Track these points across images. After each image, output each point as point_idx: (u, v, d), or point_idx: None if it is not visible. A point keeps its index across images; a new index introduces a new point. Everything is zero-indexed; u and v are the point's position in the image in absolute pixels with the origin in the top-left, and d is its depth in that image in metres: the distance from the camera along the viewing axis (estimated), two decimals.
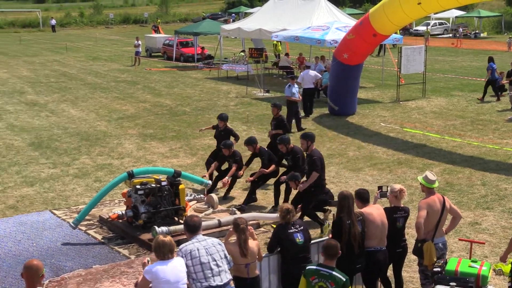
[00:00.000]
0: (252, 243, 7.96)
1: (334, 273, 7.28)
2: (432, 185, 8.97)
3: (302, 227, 8.40)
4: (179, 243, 7.99)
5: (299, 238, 8.25)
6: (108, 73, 38.90)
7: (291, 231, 8.26)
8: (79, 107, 27.04)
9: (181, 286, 7.10)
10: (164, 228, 11.61)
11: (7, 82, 35.14)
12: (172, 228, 11.77)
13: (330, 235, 8.43)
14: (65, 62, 45.74)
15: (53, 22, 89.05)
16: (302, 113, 23.13)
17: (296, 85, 22.18)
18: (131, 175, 12.45)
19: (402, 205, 9.21)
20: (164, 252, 7.12)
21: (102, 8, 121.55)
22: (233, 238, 8.37)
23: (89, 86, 33.46)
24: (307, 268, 7.52)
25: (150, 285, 7.20)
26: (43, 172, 17.29)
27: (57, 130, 22.46)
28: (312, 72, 25.11)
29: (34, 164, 18.04)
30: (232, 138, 15.65)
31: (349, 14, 41.63)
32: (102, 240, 12.36)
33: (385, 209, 9.09)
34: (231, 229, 8.36)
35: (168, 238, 7.32)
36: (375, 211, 8.82)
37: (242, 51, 43.10)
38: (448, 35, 67.10)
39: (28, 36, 77.29)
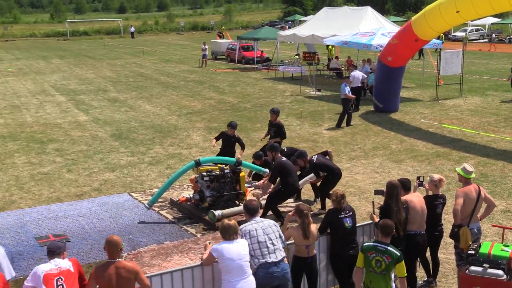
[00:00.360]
0: (312, 227, 7.96)
1: (389, 248, 7.31)
2: (469, 176, 8.82)
3: (351, 213, 8.34)
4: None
5: (348, 222, 8.20)
6: (178, 74, 39.29)
7: (342, 216, 8.21)
8: (154, 103, 27.40)
9: (243, 263, 7.18)
10: (219, 212, 11.72)
11: (93, 82, 35.87)
12: (226, 211, 11.92)
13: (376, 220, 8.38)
14: (142, 64, 46.39)
15: (132, 29, 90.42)
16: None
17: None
18: (198, 163, 12.57)
19: (440, 193, 9.09)
20: (229, 233, 7.28)
21: (174, 17, 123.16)
22: (291, 223, 8.40)
23: (162, 85, 33.87)
24: (364, 244, 7.52)
25: (216, 261, 7.32)
26: (123, 159, 17.59)
27: (134, 123, 22.82)
28: (359, 73, 24.95)
29: (115, 153, 18.37)
30: (238, 151, 14.71)
31: (393, 22, 41.09)
32: (173, 220, 12.51)
33: (426, 197, 9.03)
34: (289, 214, 8.36)
35: (233, 221, 7.45)
36: (416, 198, 8.76)
37: (296, 55, 42.94)
38: (484, 40, 65.56)
39: (111, 41, 78.71)
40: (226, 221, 7.43)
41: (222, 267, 7.21)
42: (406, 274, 7.42)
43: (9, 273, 7.20)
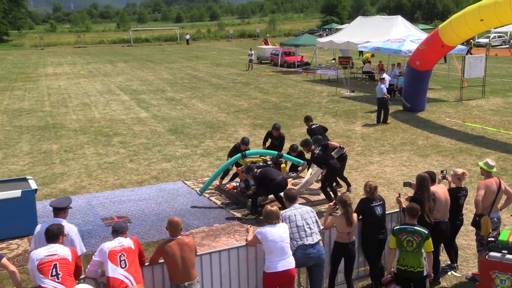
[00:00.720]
0: (354, 215, 7.90)
1: (418, 228, 7.38)
2: (491, 170, 8.68)
3: (381, 202, 8.26)
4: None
5: (378, 210, 8.14)
6: (227, 76, 39.43)
7: (373, 204, 8.14)
8: (205, 102, 27.57)
9: (284, 244, 7.20)
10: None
11: (152, 83, 36.28)
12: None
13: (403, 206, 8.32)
14: (195, 68, 46.70)
15: (187, 36, 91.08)
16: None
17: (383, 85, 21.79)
18: (244, 156, 12.60)
19: (463, 186, 8.94)
20: (272, 218, 7.33)
21: (224, 25, 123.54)
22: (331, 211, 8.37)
23: (213, 86, 34.03)
24: (395, 228, 7.51)
25: (259, 242, 7.37)
26: (178, 151, 17.76)
27: (188, 120, 23.00)
28: (387, 76, 24.79)
29: (171, 145, 18.56)
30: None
31: (422, 29, 40.31)
32: (221, 205, 12.58)
33: (450, 189, 8.90)
34: (330, 204, 8.30)
35: (275, 207, 7.48)
36: (440, 189, 8.66)
37: (333, 59, 42.66)
38: (506, 46, 63.85)
39: (169, 47, 79.44)
40: (269, 207, 7.45)
41: (265, 248, 7.23)
42: (433, 249, 7.55)
43: (80, 249, 7.36)
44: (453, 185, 9.02)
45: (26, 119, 23.85)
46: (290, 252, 7.29)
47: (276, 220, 7.33)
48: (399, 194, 9.11)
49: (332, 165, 11.96)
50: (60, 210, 7.42)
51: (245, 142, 13.33)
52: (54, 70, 47.75)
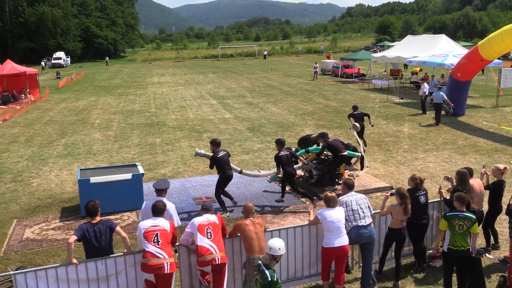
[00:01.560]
0: (409, 206, 7.64)
1: (467, 214, 7.13)
2: None
3: (424, 192, 7.98)
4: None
5: (422, 199, 7.89)
6: (296, 85, 39.27)
7: (418, 194, 7.88)
8: (278, 106, 27.58)
9: (340, 225, 7.12)
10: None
11: (235, 90, 36.69)
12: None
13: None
14: (270, 78, 46.83)
15: (265, 52, 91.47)
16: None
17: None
18: (307, 151, 12.50)
19: (503, 179, 8.60)
20: (332, 202, 7.25)
21: (294, 43, 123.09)
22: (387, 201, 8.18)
23: (284, 93, 33.99)
24: (447, 214, 7.23)
25: (320, 222, 7.30)
26: (254, 146, 17.86)
27: (263, 120, 23.09)
28: (426, 86, 24.20)
29: (249, 141, 18.70)
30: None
31: (463, 46, 38.58)
32: (289, 191, 12.53)
33: (495, 183, 8.57)
34: (386, 194, 8.08)
35: (334, 194, 7.39)
36: (476, 183, 8.33)
37: (384, 71, 41.68)
38: None
39: (249, 61, 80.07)
40: (329, 193, 7.37)
41: (324, 227, 7.16)
42: (478, 231, 7.36)
43: (177, 222, 7.60)
44: (493, 179, 8.65)
45: (136, 118, 24.73)
46: (345, 232, 7.18)
47: (335, 204, 7.25)
48: (440, 186, 8.78)
49: (288, 172, 11.12)
50: (161, 191, 7.72)
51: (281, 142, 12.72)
52: (159, 79, 49.25)
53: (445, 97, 21.03)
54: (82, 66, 76.88)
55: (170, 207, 7.61)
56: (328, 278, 7.33)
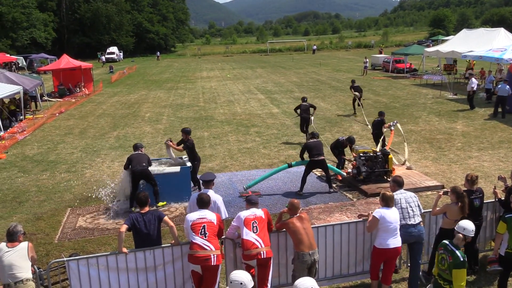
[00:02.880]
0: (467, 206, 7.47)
1: None
2: None
3: (481, 195, 7.70)
4: None
5: (476, 202, 7.63)
6: (345, 80, 38.71)
7: (473, 197, 7.62)
8: (326, 101, 27.31)
9: (396, 225, 6.94)
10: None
11: (283, 85, 36.60)
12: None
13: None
14: (319, 73, 46.42)
15: (315, 47, 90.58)
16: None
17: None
18: (290, 166, 12.31)
19: None
20: (391, 201, 7.03)
21: (344, 38, 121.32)
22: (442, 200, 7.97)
23: (333, 88, 33.62)
24: (507, 216, 6.97)
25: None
26: (302, 141, 17.62)
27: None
28: (475, 81, 23.81)
29: (296, 136, 18.58)
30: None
31: None
32: (336, 187, 12.43)
33: None
34: (440, 194, 7.86)
35: (392, 193, 7.17)
36: None
37: (437, 66, 40.43)
38: None
39: (297, 56, 79.65)
40: (388, 192, 7.13)
41: (381, 228, 6.93)
42: None
43: (224, 214, 7.70)
44: None
45: (185, 112, 25.16)
46: (399, 232, 7.00)
47: (392, 204, 7.05)
48: (495, 186, 8.43)
49: (315, 160, 11.87)
50: (208, 183, 7.84)
51: (350, 139, 13.32)
52: (208, 74, 49.85)
53: (510, 90, 20.59)
54: (134, 60, 78.94)
55: (218, 199, 7.72)
56: (377, 277, 7.20)
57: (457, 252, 5.80)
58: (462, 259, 5.74)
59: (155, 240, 6.91)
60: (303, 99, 17.68)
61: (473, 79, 23.69)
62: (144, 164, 10.87)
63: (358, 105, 22.54)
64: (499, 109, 21.12)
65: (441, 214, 7.56)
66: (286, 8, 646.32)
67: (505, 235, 6.89)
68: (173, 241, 6.94)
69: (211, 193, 7.66)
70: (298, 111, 17.36)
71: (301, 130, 17.76)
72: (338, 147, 13.54)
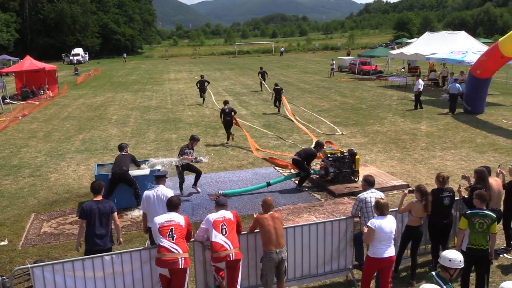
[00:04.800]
0: (430, 204, 7.62)
1: (488, 212, 7.03)
2: None
3: (451, 194, 7.84)
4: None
5: (446, 201, 7.75)
6: (312, 82, 39.12)
7: (442, 195, 7.76)
8: (294, 103, 27.43)
9: (392, 235, 6.80)
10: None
11: (251, 87, 36.63)
12: None
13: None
14: (287, 74, 46.70)
15: (282, 49, 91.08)
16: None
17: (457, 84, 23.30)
18: (269, 184, 12.17)
19: None
20: (386, 209, 6.85)
21: (311, 40, 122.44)
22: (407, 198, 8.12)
23: (301, 90, 33.88)
24: (467, 212, 7.10)
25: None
26: (270, 143, 17.83)
27: (279, 117, 23.04)
28: (421, 82, 24.62)
29: (265, 138, 18.67)
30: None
31: (483, 42, 38.07)
32: (304, 188, 12.53)
33: (510, 182, 8.44)
34: (405, 192, 8.01)
35: (386, 200, 6.99)
36: (494, 182, 8.22)
37: (402, 68, 41.28)
38: None
39: (265, 58, 79.84)
40: (381, 200, 6.91)
41: (376, 238, 6.71)
42: (497, 231, 7.20)
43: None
44: (509, 178, 8.53)
45: (153, 114, 24.90)
46: (393, 241, 6.86)
47: (386, 212, 6.82)
48: (459, 185, 8.66)
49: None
50: (160, 178, 8.13)
51: (320, 144, 12.66)
52: (175, 76, 49.47)
53: (461, 89, 21.52)
54: (100, 62, 77.60)
55: (169, 193, 7.88)
56: None
57: (444, 287, 5.30)
58: None
59: (106, 229, 7.24)
60: (225, 103, 18.09)
61: (420, 80, 24.40)
62: (124, 167, 10.81)
63: (262, 87, 31.47)
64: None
65: (407, 212, 7.72)
66: (253, 10, 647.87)
67: (466, 231, 7.09)
68: (121, 240, 7.59)
69: (162, 188, 7.93)
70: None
71: (226, 132, 17.97)
72: (310, 159, 12.44)
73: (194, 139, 12.21)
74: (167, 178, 8.43)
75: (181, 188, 12.10)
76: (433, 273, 5.52)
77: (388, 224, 6.76)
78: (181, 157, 11.74)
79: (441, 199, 7.75)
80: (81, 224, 7.24)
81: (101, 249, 7.11)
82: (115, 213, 7.35)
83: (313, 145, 13.08)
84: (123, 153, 11.21)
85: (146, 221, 7.95)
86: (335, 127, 18.43)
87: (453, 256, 5.58)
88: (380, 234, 6.70)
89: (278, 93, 23.91)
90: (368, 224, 6.80)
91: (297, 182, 12.66)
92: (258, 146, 16.79)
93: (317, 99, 28.73)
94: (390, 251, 6.79)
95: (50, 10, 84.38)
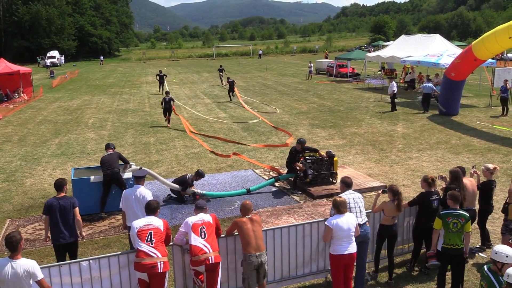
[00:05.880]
0: (403, 203, 7.75)
1: (461, 211, 7.13)
2: None
3: (439, 197, 7.93)
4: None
5: (435, 204, 7.84)
6: (291, 84, 39.30)
7: (432, 198, 7.86)
8: (273, 106, 27.54)
9: (351, 233, 6.87)
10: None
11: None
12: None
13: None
14: (265, 77, 46.82)
15: (260, 52, 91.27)
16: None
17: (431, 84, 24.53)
18: (248, 191, 12.10)
19: (493, 178, 8.61)
20: (344, 207, 6.96)
21: (289, 43, 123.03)
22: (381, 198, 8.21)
23: (279, 92, 34.00)
24: (442, 212, 7.19)
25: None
26: (250, 145, 17.84)
27: (258, 119, 23.07)
28: (394, 84, 25.04)
29: (244, 140, 18.67)
30: None
31: (457, 45, 38.74)
32: (283, 190, 12.56)
33: (484, 183, 8.62)
34: (379, 192, 8.11)
35: (344, 198, 7.11)
36: (469, 182, 8.38)
37: (379, 71, 41.77)
38: None
39: (243, 61, 79.97)
40: (338, 198, 7.04)
41: (334, 236, 6.83)
42: (471, 230, 7.30)
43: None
44: (483, 178, 8.70)
45: (131, 117, 24.66)
46: (354, 238, 6.95)
47: (344, 210, 6.95)
48: (436, 186, 8.78)
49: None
50: (139, 179, 8.17)
51: (301, 142, 12.48)
52: (153, 78, 49.06)
53: (434, 88, 22.27)
54: (76, 65, 76.54)
55: (147, 193, 7.93)
56: None
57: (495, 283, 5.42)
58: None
59: (70, 225, 7.51)
60: (166, 93, 22.52)
61: (394, 83, 24.87)
62: (115, 167, 10.74)
63: (222, 82, 35.51)
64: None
65: (380, 211, 7.83)
66: (231, 12, 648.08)
67: (441, 231, 7.20)
68: (83, 235, 7.89)
69: (141, 189, 7.96)
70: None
71: (164, 115, 22.07)
72: (293, 158, 12.50)
73: (199, 175, 11.78)
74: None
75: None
76: (485, 266, 5.70)
77: (346, 222, 6.85)
78: (183, 191, 11.64)
79: (431, 202, 7.84)
80: (45, 220, 7.62)
81: (65, 242, 7.56)
82: (76, 209, 7.58)
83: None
84: (109, 152, 11.09)
85: (125, 219, 8.08)
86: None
87: (500, 250, 5.60)
88: (338, 232, 6.80)
89: (231, 85, 30.09)
90: (326, 222, 6.97)
91: (277, 185, 12.71)
92: (192, 128, 19.63)
93: (295, 102, 28.87)
94: (351, 249, 6.87)
95: (25, 12, 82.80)
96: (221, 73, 40.48)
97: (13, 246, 5.68)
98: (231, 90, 30.24)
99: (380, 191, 8.15)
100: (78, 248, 8.04)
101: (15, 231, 5.94)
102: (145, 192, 7.96)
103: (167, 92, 22.65)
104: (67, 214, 7.51)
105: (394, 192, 7.65)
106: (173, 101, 21.93)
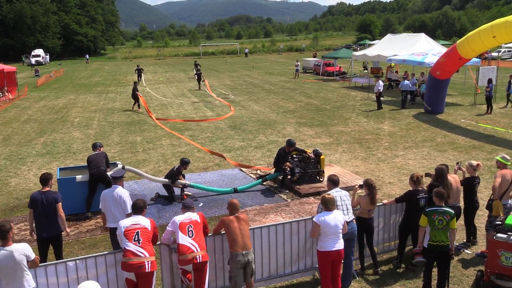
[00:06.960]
0: (377, 196, 7.87)
1: (446, 209, 7.18)
2: (507, 163, 8.59)
3: (426, 195, 7.98)
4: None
5: (422, 202, 7.90)
6: (278, 83, 39.33)
7: (419, 196, 7.93)
8: (259, 104, 27.59)
9: (339, 230, 6.92)
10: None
11: (217, 88, 36.42)
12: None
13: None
14: (252, 76, 46.81)
15: (247, 50, 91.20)
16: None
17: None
18: (236, 191, 12.17)
19: (477, 175, 8.72)
20: (332, 204, 6.99)
21: (276, 41, 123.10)
22: (359, 192, 8.30)
23: (266, 91, 34.02)
24: (427, 210, 7.24)
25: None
26: (236, 144, 17.84)
27: (245, 118, 23.06)
28: (381, 83, 25.27)
29: (231, 139, 18.67)
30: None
31: (442, 44, 39.02)
32: (271, 188, 12.57)
33: (467, 179, 8.75)
34: (356, 187, 8.21)
35: (332, 195, 7.14)
36: (452, 179, 8.49)
37: (365, 69, 42.00)
38: None
39: (230, 59, 79.80)
40: (327, 195, 7.09)
41: (322, 232, 6.88)
42: (456, 227, 7.36)
43: (130, 209, 7.56)
44: (467, 175, 8.81)
45: (117, 116, 24.49)
46: (341, 235, 7.00)
47: (333, 207, 6.98)
48: (423, 183, 8.86)
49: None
50: (117, 179, 8.16)
51: (291, 143, 12.37)
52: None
53: (410, 85, 23.57)
54: (62, 63, 75.74)
55: (124, 193, 7.89)
56: (330, 287, 7.03)
57: None
58: None
59: (52, 219, 7.57)
60: (135, 83, 27.40)
61: (380, 81, 25.07)
62: (102, 167, 10.67)
63: (195, 76, 37.35)
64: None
65: (358, 205, 7.98)
66: (218, 11, 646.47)
67: (427, 228, 7.27)
68: (68, 230, 7.92)
69: (119, 189, 7.92)
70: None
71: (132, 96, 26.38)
72: (282, 159, 12.41)
73: (184, 163, 11.71)
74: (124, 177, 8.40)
75: (172, 199, 11.79)
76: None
77: (334, 219, 6.89)
78: (172, 183, 11.58)
79: (418, 200, 7.91)
80: (30, 213, 7.72)
81: (48, 236, 7.65)
82: (59, 204, 7.63)
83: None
84: (97, 151, 11.02)
85: (105, 220, 8.10)
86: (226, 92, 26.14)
87: None
88: (325, 229, 6.85)
89: (199, 76, 35.90)
90: (314, 219, 7.02)
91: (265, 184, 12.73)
92: (153, 116, 22.02)
93: (282, 100, 28.91)
94: (338, 245, 6.92)
95: (9, 10, 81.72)
96: (196, 69, 42.82)
97: (3, 235, 5.89)
98: (199, 80, 35.90)
99: (357, 186, 8.27)
100: (63, 246, 8.04)
101: (4, 220, 5.98)
102: (121, 192, 7.89)
103: (135, 82, 27.53)
104: (50, 208, 7.58)
105: (369, 186, 7.81)
106: (137, 90, 26.14)
